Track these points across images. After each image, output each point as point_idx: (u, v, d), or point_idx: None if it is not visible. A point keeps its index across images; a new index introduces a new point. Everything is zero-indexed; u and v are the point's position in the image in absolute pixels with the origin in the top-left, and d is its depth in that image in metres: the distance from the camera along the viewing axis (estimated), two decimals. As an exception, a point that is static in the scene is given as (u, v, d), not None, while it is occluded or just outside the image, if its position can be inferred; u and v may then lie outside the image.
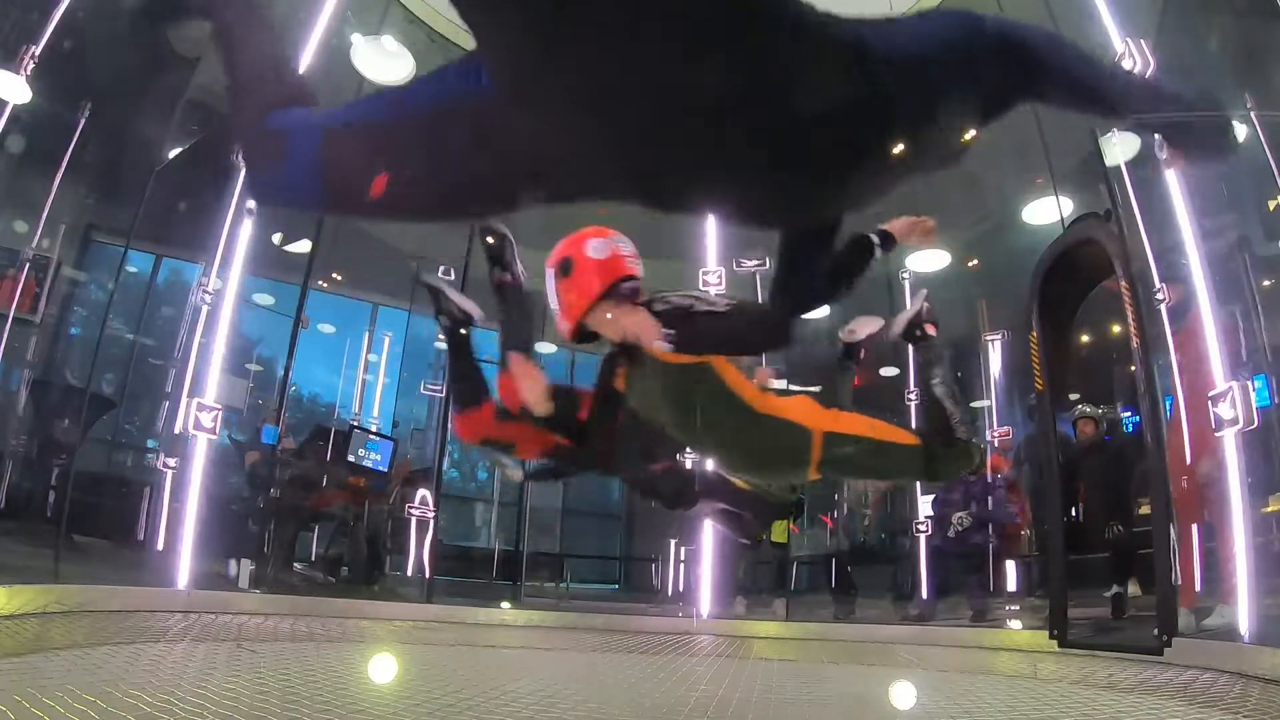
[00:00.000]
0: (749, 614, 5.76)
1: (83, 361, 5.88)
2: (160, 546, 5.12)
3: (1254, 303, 4.51)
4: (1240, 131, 4.72)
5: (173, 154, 5.85)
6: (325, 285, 8.11)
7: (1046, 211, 6.38)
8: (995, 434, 6.40)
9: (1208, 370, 3.80)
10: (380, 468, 7.00)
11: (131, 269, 6.34)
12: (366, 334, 8.86)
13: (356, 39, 6.84)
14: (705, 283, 6.11)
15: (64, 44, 4.71)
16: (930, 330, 2.50)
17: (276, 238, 6.65)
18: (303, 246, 6.34)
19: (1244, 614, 3.45)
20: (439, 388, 6.59)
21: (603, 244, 1.91)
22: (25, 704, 1.68)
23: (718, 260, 6.27)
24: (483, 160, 1.31)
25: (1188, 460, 4.08)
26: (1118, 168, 4.66)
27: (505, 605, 5.88)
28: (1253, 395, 3.66)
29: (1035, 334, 4.73)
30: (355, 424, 7.41)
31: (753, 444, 1.99)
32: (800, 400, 2.08)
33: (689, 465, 2.99)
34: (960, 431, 2.12)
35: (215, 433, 4.93)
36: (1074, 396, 5.17)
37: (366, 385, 8.19)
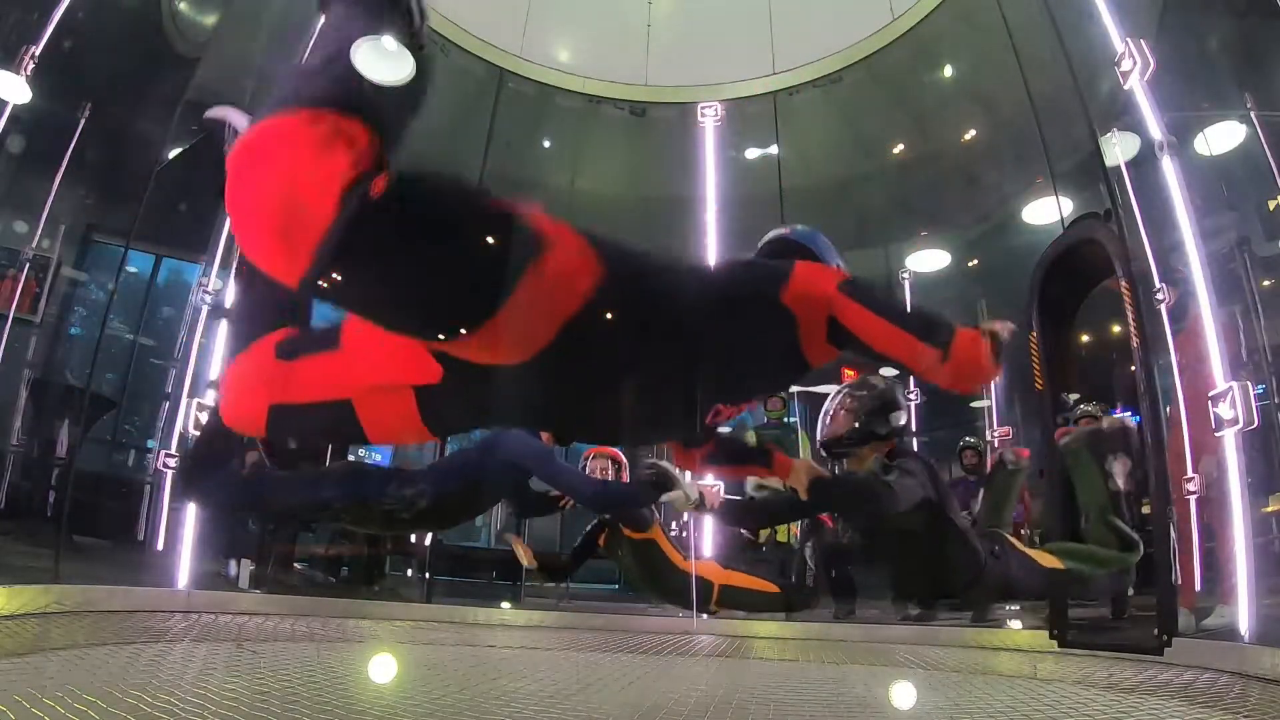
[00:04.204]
0: (749, 614, 5.76)
1: (83, 361, 5.87)
2: (160, 546, 5.12)
3: (1254, 303, 4.51)
4: (1239, 132, 4.73)
5: (173, 154, 5.85)
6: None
7: (1046, 211, 6.38)
8: (995, 434, 6.40)
9: (1208, 370, 3.80)
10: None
11: (131, 269, 6.34)
12: (367, 334, 8.81)
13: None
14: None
15: (64, 44, 4.71)
16: None
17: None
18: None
19: (1244, 614, 3.44)
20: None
21: None
22: (25, 704, 1.68)
23: (718, 260, 6.27)
24: None
25: (1188, 461, 4.08)
26: (1118, 168, 4.66)
27: (505, 605, 5.87)
28: (1252, 395, 3.66)
29: (1035, 334, 4.73)
30: (355, 424, 7.39)
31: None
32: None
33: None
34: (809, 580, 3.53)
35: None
36: (1074, 396, 5.16)
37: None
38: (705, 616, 4.56)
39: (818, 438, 2.62)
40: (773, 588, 3.55)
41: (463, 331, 1.22)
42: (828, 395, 2.56)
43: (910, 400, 6.48)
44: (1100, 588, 2.55)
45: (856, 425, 2.41)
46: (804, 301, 1.49)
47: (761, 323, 1.50)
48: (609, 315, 1.31)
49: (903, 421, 2.41)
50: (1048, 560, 2.38)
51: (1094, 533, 2.52)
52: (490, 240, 1.21)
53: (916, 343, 1.46)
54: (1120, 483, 2.50)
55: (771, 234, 1.94)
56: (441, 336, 1.24)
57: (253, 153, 1.14)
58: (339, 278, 1.15)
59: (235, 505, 2.20)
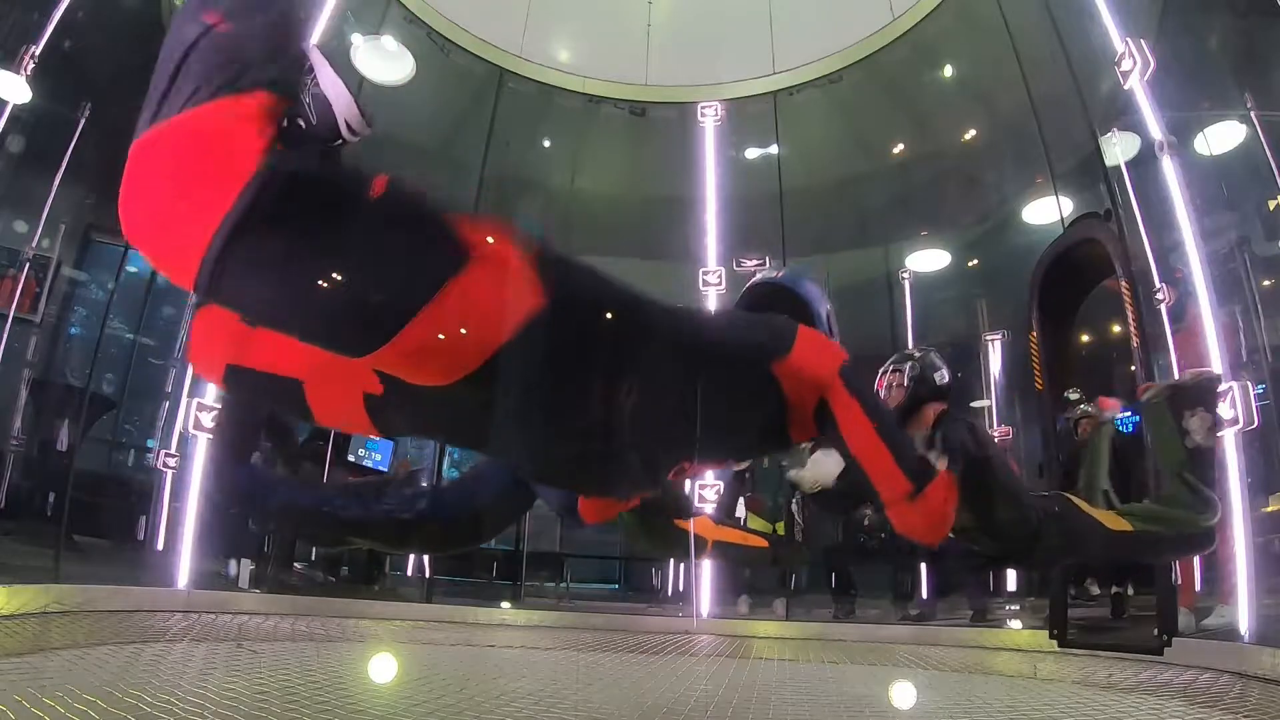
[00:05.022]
0: (749, 614, 5.77)
1: (83, 361, 5.87)
2: (160, 546, 5.11)
3: (1254, 303, 4.51)
4: (1240, 132, 4.73)
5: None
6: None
7: (1046, 211, 6.38)
8: (995, 434, 6.40)
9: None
10: (380, 467, 7.00)
11: (131, 269, 6.34)
12: (366, 334, 8.81)
13: (356, 39, 6.85)
14: (705, 283, 6.11)
15: (64, 44, 4.71)
16: None
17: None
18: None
19: (1244, 614, 3.45)
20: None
21: None
22: (25, 704, 1.68)
23: (718, 260, 6.27)
24: None
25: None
26: (1118, 168, 4.66)
27: (505, 605, 5.88)
28: (1252, 395, 3.66)
29: (1035, 334, 4.73)
30: (355, 424, 7.40)
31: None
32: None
33: None
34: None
35: (215, 433, 4.93)
36: (1074, 396, 5.16)
37: (367, 385, 8.16)
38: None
39: None
40: (762, 543, 3.57)
41: (367, 347, 1.09)
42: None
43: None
44: (1179, 551, 2.52)
45: (908, 398, 2.47)
46: (799, 377, 1.40)
47: (750, 387, 1.41)
48: (557, 347, 1.17)
49: (947, 379, 2.47)
50: (1116, 523, 2.22)
51: (1170, 491, 2.33)
52: (396, 249, 1.09)
53: (895, 465, 1.39)
54: (1199, 439, 2.25)
55: (759, 278, 1.91)
56: (345, 350, 1.14)
57: (155, 147, 1.04)
58: (234, 276, 1.04)
59: (253, 502, 2.19)
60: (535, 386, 1.21)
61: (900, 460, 1.39)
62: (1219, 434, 2.41)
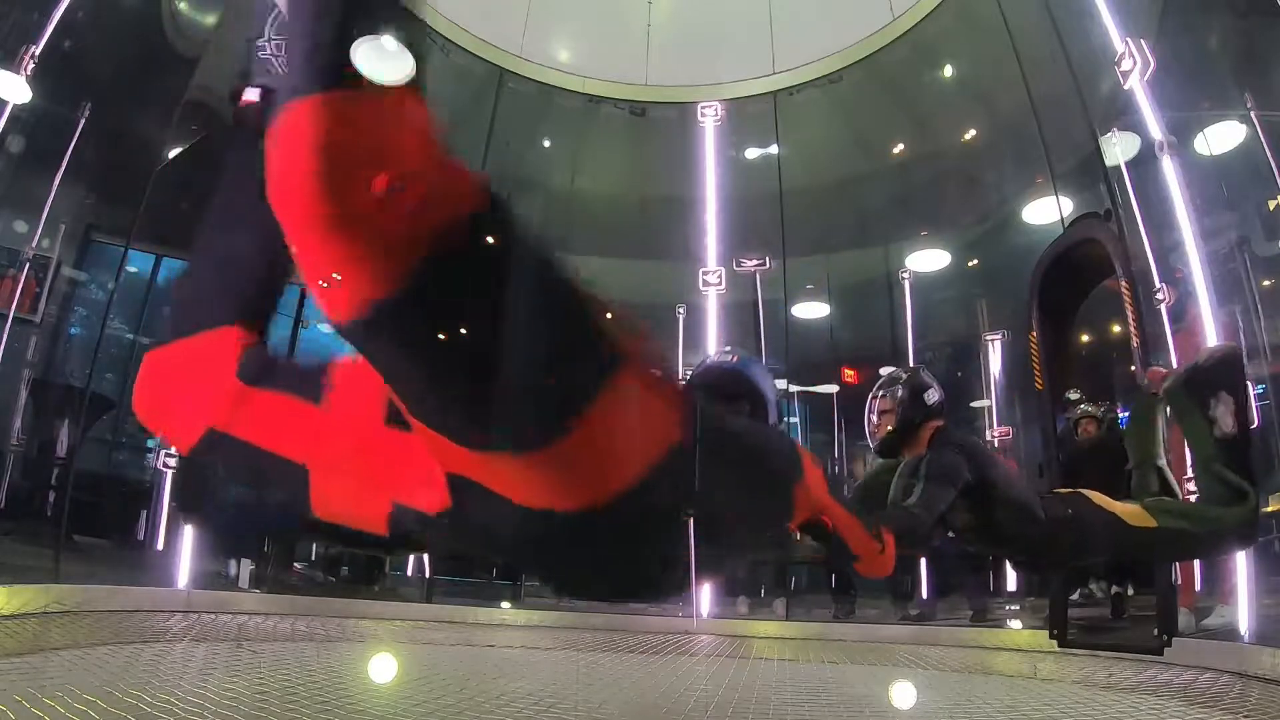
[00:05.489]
0: (749, 614, 5.77)
1: (83, 361, 5.87)
2: (160, 546, 5.12)
3: (1254, 303, 4.51)
4: (1240, 132, 4.73)
5: (173, 154, 5.84)
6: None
7: (1046, 211, 6.38)
8: (995, 434, 6.41)
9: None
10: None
11: (131, 269, 6.33)
12: (366, 334, 8.81)
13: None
14: (705, 283, 6.12)
15: (64, 44, 4.71)
16: None
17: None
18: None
19: (1244, 614, 3.45)
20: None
21: None
22: (25, 704, 1.68)
23: (718, 260, 6.27)
24: None
25: (1188, 461, 4.07)
26: (1118, 168, 4.66)
27: (505, 605, 5.88)
28: (1253, 395, 3.65)
29: (1035, 334, 4.72)
30: (355, 424, 7.38)
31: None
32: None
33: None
34: None
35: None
36: (1074, 396, 5.16)
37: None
38: None
39: (871, 447, 2.61)
40: None
41: (533, 446, 0.91)
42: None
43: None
44: (1214, 550, 2.43)
45: (900, 422, 2.44)
46: (808, 501, 1.55)
47: (781, 509, 1.50)
48: (676, 473, 1.03)
49: (938, 397, 2.41)
50: (1139, 519, 2.09)
51: (1201, 485, 2.21)
52: (585, 338, 0.92)
53: (870, 538, 1.78)
54: (1226, 426, 2.05)
55: (712, 360, 1.95)
56: (517, 444, 0.92)
57: (331, 125, 0.79)
58: (405, 320, 0.83)
59: (235, 534, 2.19)
60: (653, 520, 1.07)
61: (868, 529, 1.79)
62: (1253, 413, 2.26)
